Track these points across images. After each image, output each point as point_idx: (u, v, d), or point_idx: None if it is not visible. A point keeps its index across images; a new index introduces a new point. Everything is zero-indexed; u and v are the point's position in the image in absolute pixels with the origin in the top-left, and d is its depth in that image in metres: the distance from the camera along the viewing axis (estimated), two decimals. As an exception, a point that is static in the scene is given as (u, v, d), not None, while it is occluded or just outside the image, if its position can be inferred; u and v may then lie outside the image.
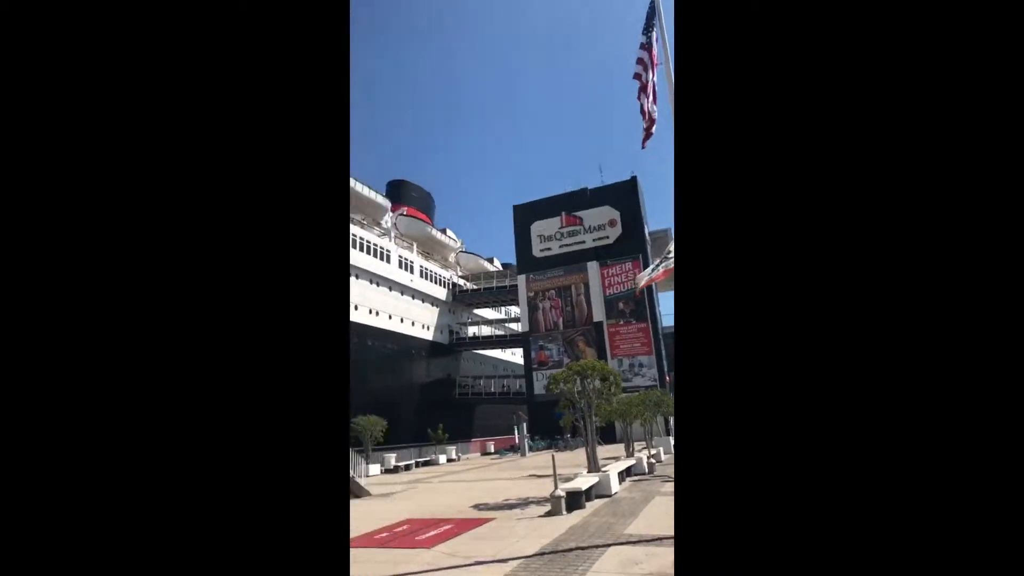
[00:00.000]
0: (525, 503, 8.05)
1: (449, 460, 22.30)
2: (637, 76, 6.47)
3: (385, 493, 11.12)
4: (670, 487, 8.88)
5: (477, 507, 7.87)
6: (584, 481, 7.71)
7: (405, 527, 6.72)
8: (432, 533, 6.11)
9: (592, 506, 7.31)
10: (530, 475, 12.28)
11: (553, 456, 7.36)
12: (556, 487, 7.00)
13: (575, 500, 7.14)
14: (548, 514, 6.88)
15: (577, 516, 6.64)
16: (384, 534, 6.33)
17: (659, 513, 6.55)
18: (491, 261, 45.27)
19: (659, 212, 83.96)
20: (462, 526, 6.40)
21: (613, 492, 8.30)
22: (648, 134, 6.57)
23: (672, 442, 18.38)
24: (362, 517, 7.57)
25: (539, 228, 33.27)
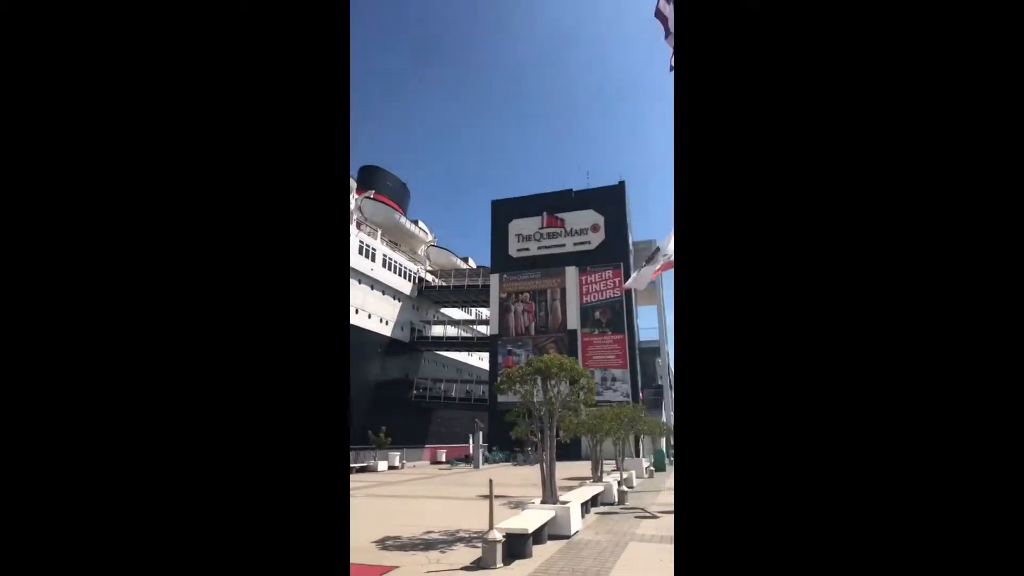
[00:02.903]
0: (452, 539, 5.88)
1: (391, 467, 19.86)
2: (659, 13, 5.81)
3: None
4: (647, 526, 6.83)
5: (383, 543, 5.67)
6: (533, 516, 5.59)
7: None
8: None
9: (542, 553, 5.19)
10: (479, 495, 10.11)
11: (491, 482, 5.23)
12: (491, 525, 4.86)
13: (517, 545, 5.01)
14: (475, 565, 4.73)
15: (516, 572, 4.52)
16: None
17: (638, 573, 4.47)
18: (465, 260, 43.08)
19: (644, 222, 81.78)
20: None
21: (572, 532, 6.19)
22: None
23: (645, 465, 16.44)
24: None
25: (518, 227, 31.22)
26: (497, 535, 4.76)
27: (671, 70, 5.03)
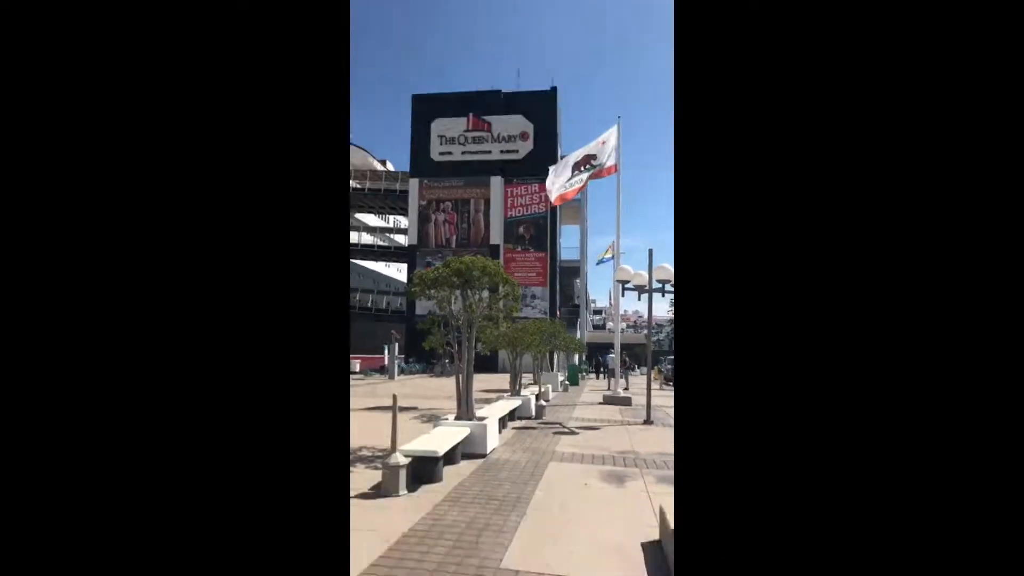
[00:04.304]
0: (352, 458, 5.11)
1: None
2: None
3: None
4: (567, 443, 6.48)
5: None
6: (445, 435, 4.90)
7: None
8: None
9: (453, 477, 4.55)
10: (391, 407, 9.39)
11: (395, 398, 4.40)
12: (394, 447, 4.07)
13: (426, 469, 4.31)
14: (375, 492, 3.98)
15: (423, 501, 3.82)
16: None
17: (561, 498, 3.95)
18: (383, 163, 40.03)
19: (574, 135, 78.85)
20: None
21: (489, 451, 5.64)
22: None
23: (560, 379, 16.63)
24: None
25: (441, 127, 28.92)
26: (400, 459, 4.00)
27: None
